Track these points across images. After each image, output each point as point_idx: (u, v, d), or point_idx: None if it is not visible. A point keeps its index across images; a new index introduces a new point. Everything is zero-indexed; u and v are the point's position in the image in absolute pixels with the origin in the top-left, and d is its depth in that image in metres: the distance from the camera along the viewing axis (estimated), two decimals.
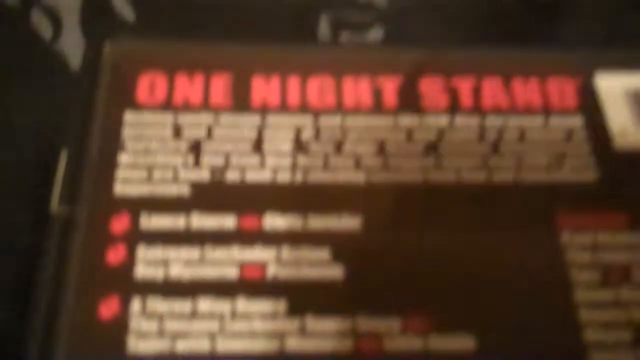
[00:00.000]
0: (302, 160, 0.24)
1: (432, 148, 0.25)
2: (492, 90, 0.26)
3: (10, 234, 0.24)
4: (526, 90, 0.26)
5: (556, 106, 0.26)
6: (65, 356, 0.21)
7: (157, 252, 0.22)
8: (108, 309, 0.21)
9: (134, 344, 0.21)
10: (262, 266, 0.22)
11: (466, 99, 0.26)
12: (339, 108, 0.26)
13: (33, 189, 0.24)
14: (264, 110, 0.25)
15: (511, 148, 0.25)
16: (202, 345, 0.21)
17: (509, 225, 0.23)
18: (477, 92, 0.26)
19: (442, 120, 0.25)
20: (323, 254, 0.23)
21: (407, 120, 0.25)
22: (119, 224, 0.23)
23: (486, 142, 0.25)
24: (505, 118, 0.25)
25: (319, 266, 0.22)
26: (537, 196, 0.24)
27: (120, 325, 0.21)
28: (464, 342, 0.21)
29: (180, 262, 0.22)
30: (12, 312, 0.22)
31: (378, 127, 0.25)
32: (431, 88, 0.26)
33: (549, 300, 0.22)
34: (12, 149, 0.26)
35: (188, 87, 0.26)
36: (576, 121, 0.25)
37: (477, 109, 0.26)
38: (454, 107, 0.26)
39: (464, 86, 0.26)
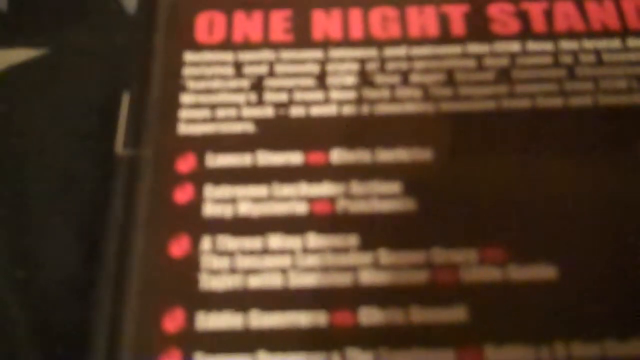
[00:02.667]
0: (367, 92, 0.24)
1: (504, 75, 0.24)
2: (564, 12, 0.25)
3: (77, 177, 0.24)
4: (601, 11, 0.25)
5: (634, 26, 0.24)
6: (138, 294, 0.20)
7: (224, 190, 0.22)
8: (178, 247, 0.21)
9: (207, 281, 0.20)
10: (332, 201, 0.22)
11: (538, 23, 0.25)
12: (404, 38, 0.25)
13: (97, 132, 0.24)
14: (325, 44, 0.25)
15: (588, 72, 0.24)
16: (274, 281, 0.20)
17: (589, 152, 0.22)
18: (549, 15, 0.25)
19: (514, 46, 0.24)
20: (394, 186, 0.22)
21: (476, 47, 0.24)
22: (185, 163, 0.22)
23: (561, 66, 0.24)
24: (580, 41, 0.24)
25: (390, 199, 0.22)
26: (619, 120, 0.23)
27: (191, 263, 0.21)
28: (545, 272, 0.20)
29: (249, 200, 0.22)
30: (81, 254, 0.22)
31: (446, 55, 0.24)
32: (500, 13, 0.25)
33: (633, 228, 0.21)
34: (73, 94, 0.26)
35: (247, 25, 0.25)
36: None
37: (550, 33, 0.24)
38: (525, 32, 0.24)
39: (535, 10, 0.25)
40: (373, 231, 0.21)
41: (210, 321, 0.20)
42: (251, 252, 0.21)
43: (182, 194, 0.22)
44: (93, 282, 0.21)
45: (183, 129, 0.23)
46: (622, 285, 0.20)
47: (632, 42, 0.24)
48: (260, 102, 0.24)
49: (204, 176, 0.22)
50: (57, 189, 0.24)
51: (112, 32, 0.27)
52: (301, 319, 0.20)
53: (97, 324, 0.20)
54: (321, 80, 0.24)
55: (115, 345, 0.20)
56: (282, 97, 0.24)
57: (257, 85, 0.24)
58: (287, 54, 0.25)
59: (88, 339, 0.20)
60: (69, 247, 0.23)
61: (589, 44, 0.24)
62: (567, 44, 0.24)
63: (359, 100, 0.23)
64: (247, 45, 0.25)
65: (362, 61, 0.24)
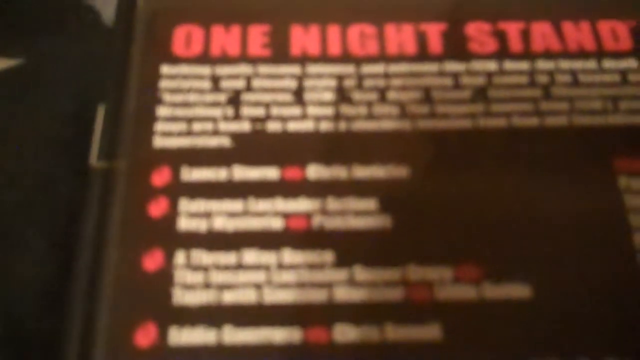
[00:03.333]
0: (345, 109, 0.24)
1: (480, 94, 0.24)
2: (541, 33, 0.25)
3: (50, 187, 0.24)
4: (577, 32, 0.25)
5: (609, 48, 0.25)
6: (111, 308, 0.20)
7: (199, 205, 0.22)
8: (152, 261, 0.21)
9: (180, 295, 0.20)
10: (308, 217, 0.22)
11: (515, 42, 0.25)
12: (382, 55, 0.25)
13: (72, 142, 0.24)
14: (303, 60, 0.25)
15: (564, 92, 0.24)
16: (248, 296, 0.20)
17: (563, 171, 0.22)
18: (525, 35, 0.25)
19: (491, 65, 0.24)
20: (370, 203, 0.22)
21: (454, 65, 0.24)
22: (160, 176, 0.22)
23: (537, 86, 0.24)
24: (557, 61, 0.24)
25: (366, 216, 0.22)
26: (592, 141, 0.23)
27: (165, 277, 0.21)
28: (519, 291, 0.20)
29: (224, 214, 0.22)
30: (54, 265, 0.22)
31: (423, 73, 0.24)
32: (478, 32, 0.25)
33: (607, 246, 0.21)
34: (48, 104, 0.25)
35: (225, 39, 0.25)
36: (631, 63, 0.24)
37: (527, 53, 0.25)
38: (502, 52, 0.25)
39: (512, 29, 0.25)
40: (348, 248, 0.21)
41: (184, 336, 0.20)
42: (226, 267, 0.21)
43: (157, 208, 0.22)
44: (65, 294, 0.21)
45: (158, 142, 0.23)
46: (595, 305, 0.20)
47: (607, 63, 0.24)
48: (237, 117, 0.23)
49: (179, 190, 0.22)
50: (31, 199, 0.24)
51: (89, 42, 0.27)
52: (275, 335, 0.20)
53: (68, 337, 0.20)
54: (298, 95, 0.24)
55: (86, 359, 0.19)
56: (259, 111, 0.24)
57: (234, 100, 0.24)
58: (264, 69, 0.24)
59: (59, 352, 0.20)
60: (42, 258, 0.23)
61: (565, 64, 0.24)
62: (543, 64, 0.24)
63: (336, 117, 0.23)
64: (225, 59, 0.25)
65: (340, 77, 0.24)
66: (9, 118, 0.26)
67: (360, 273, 0.21)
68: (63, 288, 0.21)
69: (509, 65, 0.24)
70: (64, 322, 0.20)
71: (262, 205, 0.22)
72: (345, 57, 0.25)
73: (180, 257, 0.21)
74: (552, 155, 0.23)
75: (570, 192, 0.22)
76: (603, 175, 0.22)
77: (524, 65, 0.24)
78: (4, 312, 0.21)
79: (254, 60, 0.25)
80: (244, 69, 0.24)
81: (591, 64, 0.24)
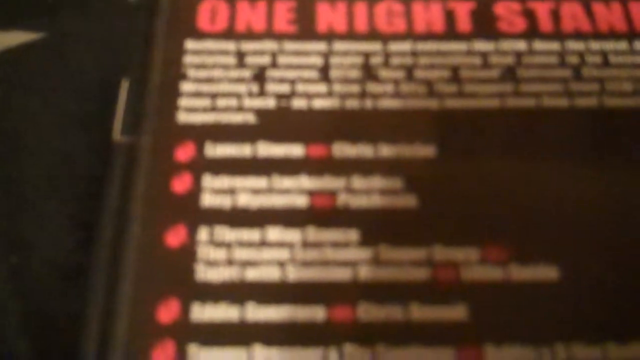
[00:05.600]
0: (371, 87, 0.23)
1: (509, 73, 0.23)
2: (571, 13, 0.25)
3: (72, 163, 0.24)
4: (608, 13, 0.25)
5: None
6: (133, 284, 0.20)
7: (223, 181, 0.22)
8: (175, 237, 0.21)
9: (203, 272, 0.20)
10: (333, 195, 0.21)
11: (544, 22, 0.24)
12: (409, 33, 0.24)
13: (95, 118, 0.24)
14: (330, 36, 0.24)
15: (594, 73, 0.23)
16: (272, 274, 0.20)
17: (593, 153, 0.22)
18: (555, 15, 0.24)
19: (520, 45, 0.24)
20: (395, 182, 0.22)
21: (482, 44, 0.24)
22: (184, 152, 0.22)
23: (567, 67, 0.23)
24: (587, 42, 0.24)
25: (391, 195, 0.21)
26: (623, 122, 0.22)
27: (188, 253, 0.20)
28: (546, 273, 0.20)
29: (248, 191, 0.21)
30: (76, 240, 0.22)
31: (451, 52, 0.24)
32: (507, 11, 0.25)
33: (636, 229, 0.21)
34: (71, 79, 0.25)
35: (250, 14, 0.25)
36: None
37: (557, 33, 0.24)
38: (531, 31, 0.24)
39: (542, 9, 0.25)
40: (374, 226, 0.21)
41: (206, 313, 0.19)
42: (249, 244, 0.21)
43: (180, 184, 0.22)
44: (87, 270, 0.21)
45: (183, 117, 0.23)
46: (623, 288, 0.20)
47: (639, 44, 0.24)
48: (261, 93, 0.23)
49: (203, 166, 0.22)
50: (53, 174, 0.24)
51: (112, 17, 0.27)
52: (298, 313, 0.20)
53: (90, 313, 0.20)
54: (324, 72, 0.24)
55: (108, 335, 0.19)
56: (284, 88, 0.23)
57: (259, 76, 0.24)
58: (290, 45, 0.24)
59: (81, 328, 0.20)
60: (63, 233, 0.22)
61: (595, 45, 0.24)
62: (573, 45, 0.24)
63: (362, 94, 0.23)
64: (250, 35, 0.24)
65: (366, 55, 0.24)
66: (31, 93, 0.25)
67: (385, 252, 0.20)
68: (84, 264, 0.20)
69: (538, 45, 0.24)
70: (85, 298, 0.20)
71: (287, 182, 0.22)
72: (372, 35, 0.24)
73: (203, 233, 0.21)
74: (581, 136, 0.22)
75: (599, 174, 0.22)
76: (633, 158, 0.22)
77: (553, 45, 0.24)
78: (24, 289, 0.21)
79: (279, 37, 0.24)
80: (270, 45, 0.24)
81: (622, 45, 0.24)
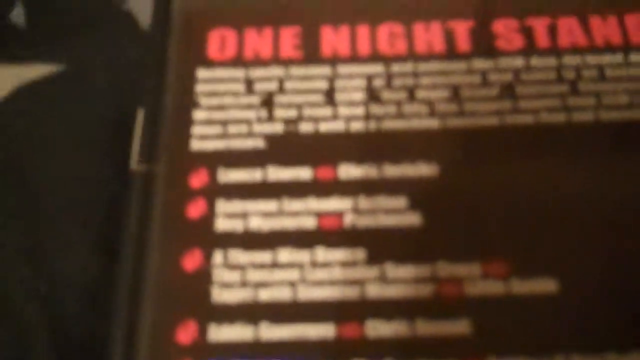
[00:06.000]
0: (375, 108, 0.24)
1: (508, 90, 0.24)
2: (568, 28, 0.25)
3: (93, 191, 0.25)
4: (604, 27, 0.25)
5: (637, 42, 0.25)
6: (153, 307, 0.21)
7: (236, 205, 0.23)
8: (191, 261, 0.22)
9: (218, 294, 0.21)
10: (340, 216, 0.22)
11: (542, 38, 0.25)
12: (411, 54, 0.25)
13: (114, 146, 0.25)
14: (334, 60, 0.25)
15: (591, 87, 0.24)
16: (283, 294, 0.21)
17: (591, 167, 0.23)
18: (552, 30, 0.25)
19: (518, 62, 0.25)
20: (400, 201, 0.22)
21: (481, 63, 0.25)
22: (198, 178, 0.23)
23: (564, 82, 0.24)
24: (584, 56, 0.25)
25: (396, 214, 0.22)
26: (620, 136, 0.23)
27: (204, 277, 0.21)
28: (546, 286, 0.21)
29: (259, 214, 0.22)
30: (97, 266, 0.23)
31: (451, 71, 0.25)
32: (505, 29, 0.25)
33: (636, 242, 0.21)
34: (90, 109, 0.26)
35: (258, 42, 0.26)
36: None
37: (554, 48, 0.25)
38: (529, 48, 0.25)
39: (539, 25, 0.25)
40: (380, 245, 0.22)
41: (222, 333, 0.21)
42: (261, 266, 0.22)
43: (195, 209, 0.23)
44: (110, 294, 0.22)
45: (196, 144, 0.24)
46: (623, 299, 0.21)
47: (634, 57, 0.25)
48: (270, 118, 0.24)
49: (216, 191, 0.23)
50: (75, 203, 0.25)
51: (127, 47, 0.28)
52: (310, 331, 0.21)
53: (113, 336, 0.21)
54: (330, 96, 0.25)
55: (130, 357, 0.21)
56: (292, 113, 0.24)
57: (268, 102, 0.25)
58: (296, 70, 0.25)
59: (104, 350, 0.21)
60: (87, 261, 0.24)
61: (592, 59, 0.25)
62: (570, 59, 0.25)
63: (367, 116, 0.24)
64: (258, 62, 0.25)
65: (370, 77, 0.25)
66: (52, 123, 0.27)
67: (391, 270, 0.21)
68: (106, 289, 0.22)
69: (535, 61, 0.25)
70: (108, 322, 0.21)
71: (296, 204, 0.23)
72: (375, 57, 0.25)
73: (218, 256, 0.22)
74: (579, 150, 0.23)
75: (598, 188, 0.22)
76: (631, 171, 0.22)
77: (550, 61, 0.25)
78: (49, 314, 0.22)
79: (285, 62, 0.25)
80: (277, 71, 0.25)
81: (618, 58, 0.25)
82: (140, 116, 0.25)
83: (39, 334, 0.22)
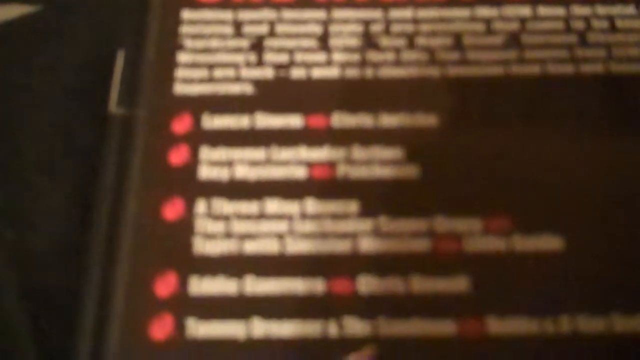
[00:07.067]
0: (371, 55, 0.23)
1: (513, 40, 0.23)
2: None
3: (69, 135, 0.23)
4: None
5: None
6: (130, 257, 0.20)
7: (221, 153, 0.21)
8: (172, 210, 0.20)
9: (201, 245, 0.20)
10: (332, 166, 0.21)
11: None
12: (411, 0, 0.24)
13: (92, 90, 0.23)
14: (329, 4, 0.24)
15: (600, 38, 0.23)
16: (270, 246, 0.20)
17: (599, 121, 0.21)
18: None
19: (524, 11, 0.23)
20: (397, 152, 0.21)
21: (486, 11, 0.23)
22: (181, 124, 0.22)
23: (572, 32, 0.23)
24: (593, 6, 0.23)
25: (392, 165, 0.21)
26: (629, 89, 0.22)
27: (185, 227, 0.20)
28: (550, 243, 0.20)
29: (246, 163, 0.21)
30: (74, 216, 0.22)
31: (453, 18, 0.23)
32: None
33: None
34: (67, 51, 0.25)
35: None
36: None
37: None
38: None
39: None
40: (374, 198, 0.20)
41: (204, 286, 0.19)
42: (247, 217, 0.20)
43: (177, 156, 0.21)
44: (84, 245, 0.20)
45: (179, 88, 0.22)
46: (628, 259, 0.20)
47: None
48: (259, 63, 0.23)
49: (200, 138, 0.21)
50: (50, 149, 0.23)
51: None
52: (297, 285, 0.19)
53: (87, 288, 0.20)
54: (323, 41, 0.23)
55: (106, 310, 0.19)
56: (283, 58, 0.23)
57: (257, 46, 0.23)
58: (288, 14, 0.24)
59: (78, 303, 0.19)
60: (61, 209, 0.22)
61: (602, 9, 0.23)
62: (579, 10, 0.23)
63: (362, 63, 0.23)
64: (248, 4, 0.24)
65: (367, 23, 0.23)
66: (27, 67, 0.25)
67: (386, 224, 0.20)
68: (83, 240, 0.20)
69: (543, 10, 0.23)
70: (82, 273, 0.20)
71: (285, 153, 0.21)
72: (373, 2, 0.24)
73: (201, 206, 0.20)
74: (587, 104, 0.22)
75: (604, 144, 0.21)
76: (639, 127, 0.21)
77: (559, 10, 0.23)
78: (22, 265, 0.21)
79: (277, 5, 0.24)
80: (267, 14, 0.24)
81: (629, 9, 0.23)
82: (120, 58, 0.23)
83: (7, 281, 0.21)
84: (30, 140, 0.24)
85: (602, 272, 0.19)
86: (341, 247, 0.20)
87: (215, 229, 0.20)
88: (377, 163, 0.21)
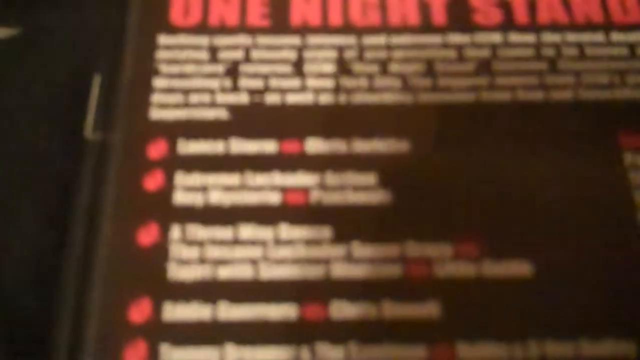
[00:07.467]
0: (345, 81, 0.23)
1: (484, 66, 0.23)
2: (548, 4, 0.24)
3: (44, 161, 0.23)
4: (585, 4, 0.24)
5: (618, 20, 0.24)
6: (105, 283, 0.20)
7: (196, 178, 0.21)
8: (147, 235, 0.20)
9: (175, 271, 0.20)
10: (305, 191, 0.21)
11: (520, 14, 0.24)
12: (384, 26, 0.24)
13: (67, 114, 0.23)
14: (304, 30, 0.24)
15: (570, 65, 0.23)
16: (244, 272, 0.20)
17: (568, 147, 0.22)
18: (532, 6, 0.24)
19: (495, 37, 0.24)
20: (369, 178, 0.21)
21: (458, 37, 0.24)
22: (156, 149, 0.22)
23: (543, 59, 0.23)
24: (563, 34, 0.24)
25: (365, 191, 0.21)
26: (598, 116, 0.22)
27: (160, 252, 0.20)
28: (519, 268, 0.20)
29: (220, 188, 0.21)
30: (47, 240, 0.22)
31: (426, 45, 0.24)
32: (482, 3, 0.24)
33: (611, 224, 0.21)
34: (44, 75, 0.25)
35: (224, 8, 0.25)
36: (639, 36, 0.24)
37: (533, 25, 0.24)
38: (507, 23, 0.24)
39: (518, 0, 0.24)
40: (347, 223, 0.21)
41: (178, 312, 0.19)
42: (221, 242, 0.20)
43: (152, 181, 0.21)
44: (59, 269, 0.21)
45: (155, 113, 0.23)
46: (596, 284, 0.20)
47: (615, 36, 0.24)
48: (235, 88, 0.23)
49: (175, 163, 0.22)
50: (24, 173, 0.23)
51: (84, 12, 0.26)
52: (271, 311, 0.19)
53: (60, 313, 0.20)
54: (298, 67, 0.23)
55: (79, 335, 0.19)
56: (258, 83, 0.23)
57: (232, 71, 0.23)
58: (263, 40, 0.24)
59: (51, 328, 0.19)
60: (36, 233, 0.22)
61: (572, 36, 0.24)
62: (549, 37, 0.24)
63: (337, 89, 0.23)
64: (223, 30, 0.24)
65: (341, 49, 0.24)
66: (5, 90, 0.25)
67: (358, 249, 0.20)
68: (56, 263, 0.20)
69: (514, 37, 0.24)
70: (56, 298, 0.20)
71: (260, 179, 0.21)
72: (347, 28, 0.24)
73: (175, 231, 0.21)
74: (556, 130, 0.22)
75: (574, 168, 0.21)
76: (608, 152, 0.22)
77: (529, 37, 0.24)
78: None
79: (253, 31, 0.24)
80: (243, 39, 0.24)
81: (599, 36, 0.24)
82: (96, 83, 0.23)
83: None
84: (6, 163, 0.24)
85: (571, 297, 0.20)
86: (314, 272, 0.20)
87: (189, 254, 0.20)
88: (350, 189, 0.21)
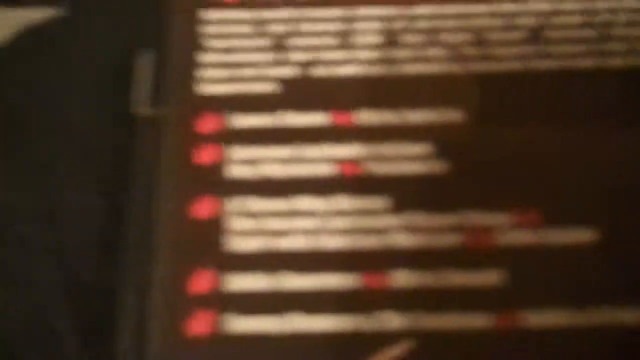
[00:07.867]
0: (394, 52, 0.23)
1: (535, 35, 0.23)
2: None
3: (97, 137, 0.23)
4: None
5: None
6: (164, 256, 0.20)
7: (248, 151, 0.21)
8: (202, 208, 0.20)
9: (231, 242, 0.20)
10: (360, 162, 0.21)
11: None
12: None
13: (116, 92, 0.23)
14: (351, 2, 0.24)
15: (623, 32, 0.23)
16: (302, 243, 0.20)
17: (623, 114, 0.22)
18: None
19: (546, 5, 0.23)
20: (422, 148, 0.21)
21: (507, 6, 0.23)
22: (207, 123, 0.22)
23: (595, 26, 0.23)
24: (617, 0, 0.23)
25: (420, 161, 0.21)
26: None
27: (216, 225, 0.20)
28: (581, 236, 0.20)
29: (273, 161, 0.21)
30: (106, 216, 0.22)
31: (475, 14, 0.23)
32: None
33: None
34: (93, 53, 0.25)
35: None
36: None
37: None
38: None
39: None
40: (403, 193, 0.21)
41: (239, 282, 0.19)
42: (278, 214, 0.20)
43: (205, 155, 0.21)
44: (119, 244, 0.21)
45: (204, 88, 0.22)
46: None
47: None
48: (283, 62, 0.23)
49: (227, 137, 0.22)
50: (79, 151, 0.23)
51: None
52: (331, 281, 0.19)
53: (124, 287, 0.20)
54: (346, 39, 0.23)
55: (143, 308, 0.19)
56: (305, 56, 0.23)
57: (280, 45, 0.23)
58: (310, 12, 0.24)
59: (116, 301, 0.19)
60: (97, 209, 0.22)
61: (626, 2, 0.23)
62: (602, 3, 0.23)
63: (385, 60, 0.23)
64: (270, 4, 0.24)
65: (389, 19, 0.23)
66: (54, 69, 0.25)
67: (417, 219, 0.20)
68: (116, 238, 0.20)
69: (565, 4, 0.23)
70: (120, 272, 0.20)
71: (312, 150, 0.21)
72: None
73: (230, 204, 0.20)
74: (610, 97, 0.22)
75: (631, 136, 0.21)
76: None
77: (581, 4, 0.23)
78: (60, 265, 0.21)
79: (299, 4, 0.24)
80: (289, 13, 0.24)
81: None
82: (143, 59, 0.23)
83: (53, 291, 0.21)
84: (62, 142, 0.24)
85: (633, 264, 0.19)
86: (373, 242, 0.20)
87: (246, 226, 0.20)
88: (404, 159, 0.21)
